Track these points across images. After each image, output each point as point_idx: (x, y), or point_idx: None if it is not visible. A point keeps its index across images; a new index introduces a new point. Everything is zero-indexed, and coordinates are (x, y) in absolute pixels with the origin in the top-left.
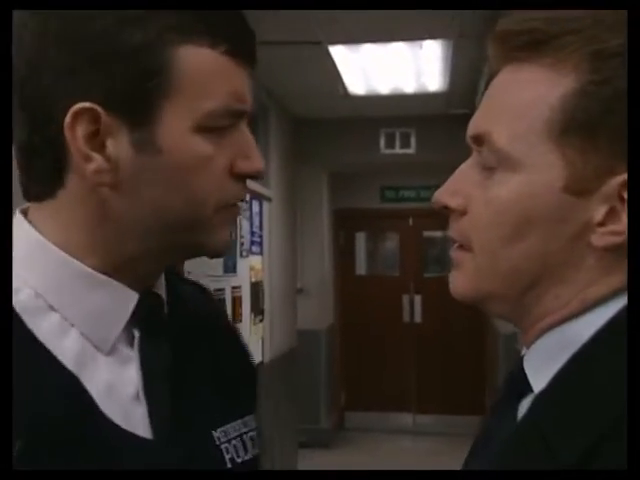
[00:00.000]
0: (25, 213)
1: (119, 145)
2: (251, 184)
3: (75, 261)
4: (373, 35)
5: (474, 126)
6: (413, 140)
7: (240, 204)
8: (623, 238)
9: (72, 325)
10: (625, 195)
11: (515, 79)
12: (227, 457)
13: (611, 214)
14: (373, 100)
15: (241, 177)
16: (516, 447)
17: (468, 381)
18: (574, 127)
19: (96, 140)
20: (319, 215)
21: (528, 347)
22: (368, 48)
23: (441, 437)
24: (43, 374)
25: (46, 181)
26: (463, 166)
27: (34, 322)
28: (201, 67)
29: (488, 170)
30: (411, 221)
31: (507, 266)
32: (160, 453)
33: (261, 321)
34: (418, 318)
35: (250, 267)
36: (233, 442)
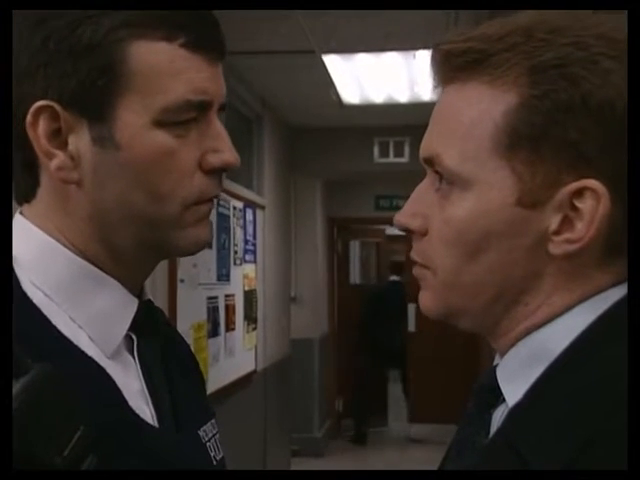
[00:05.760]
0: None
1: (80, 142)
2: (245, 192)
3: (78, 259)
4: (367, 44)
5: (424, 149)
6: (407, 149)
7: (214, 200)
8: (578, 245)
9: (80, 327)
10: (577, 204)
11: (458, 99)
12: (212, 455)
13: (565, 223)
14: (367, 109)
15: (212, 171)
16: (490, 462)
17: (463, 390)
18: (519, 141)
19: (59, 138)
20: (313, 224)
21: (502, 356)
22: (362, 57)
23: (436, 446)
24: (78, 366)
25: (26, 181)
26: (420, 187)
27: (54, 320)
28: (154, 62)
29: (443, 190)
30: None
31: (470, 281)
32: (180, 446)
33: (254, 329)
34: (412, 327)
35: (244, 275)
36: (211, 441)
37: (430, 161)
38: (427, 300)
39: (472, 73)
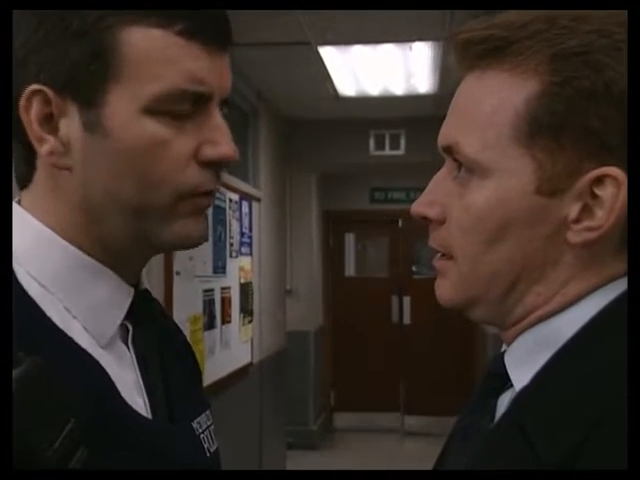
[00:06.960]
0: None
1: (71, 127)
2: (241, 185)
3: (74, 248)
4: (363, 36)
5: (443, 137)
6: (402, 142)
7: (211, 194)
8: (598, 233)
9: (74, 317)
10: (597, 191)
11: (479, 86)
12: (205, 446)
13: (585, 211)
14: (363, 102)
15: (208, 164)
16: (497, 445)
17: (457, 382)
18: (540, 129)
19: (51, 123)
20: (308, 216)
21: (509, 344)
22: (358, 49)
23: (430, 438)
24: (71, 358)
25: (23, 166)
26: (438, 175)
27: (48, 312)
28: (146, 49)
29: (462, 178)
30: (400, 222)
31: (488, 270)
32: (173, 438)
33: (250, 322)
34: (407, 319)
35: (239, 268)
36: (205, 433)
37: (449, 149)
38: (445, 290)
39: (492, 61)
